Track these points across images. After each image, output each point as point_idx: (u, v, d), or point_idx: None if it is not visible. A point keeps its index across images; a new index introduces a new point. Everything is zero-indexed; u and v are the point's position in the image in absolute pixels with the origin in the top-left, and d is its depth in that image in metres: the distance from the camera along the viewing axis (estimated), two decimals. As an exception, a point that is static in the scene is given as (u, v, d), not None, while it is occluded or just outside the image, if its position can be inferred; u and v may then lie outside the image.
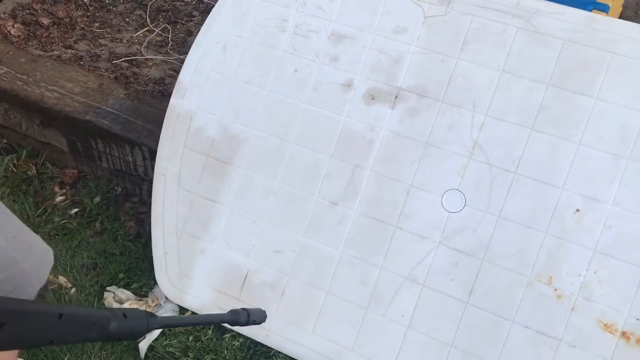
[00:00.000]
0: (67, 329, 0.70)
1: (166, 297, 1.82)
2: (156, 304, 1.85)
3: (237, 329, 1.74)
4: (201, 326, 1.75)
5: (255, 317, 1.01)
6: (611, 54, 1.50)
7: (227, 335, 1.77)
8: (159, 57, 2.87)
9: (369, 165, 1.65)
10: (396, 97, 1.64)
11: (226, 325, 1.04)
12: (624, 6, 3.20)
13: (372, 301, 1.63)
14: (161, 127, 1.84)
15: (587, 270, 1.48)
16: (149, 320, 0.80)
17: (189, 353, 1.73)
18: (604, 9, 2.22)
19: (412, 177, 1.61)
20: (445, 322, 1.57)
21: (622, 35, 1.49)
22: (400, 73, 1.64)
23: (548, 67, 1.54)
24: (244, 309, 1.00)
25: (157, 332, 1.78)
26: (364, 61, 1.67)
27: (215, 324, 0.99)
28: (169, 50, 2.95)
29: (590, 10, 2.18)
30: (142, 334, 0.80)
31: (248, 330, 1.72)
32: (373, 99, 1.66)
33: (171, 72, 2.60)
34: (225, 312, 0.95)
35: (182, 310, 1.84)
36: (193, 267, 1.79)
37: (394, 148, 1.63)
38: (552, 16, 1.54)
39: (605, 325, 1.46)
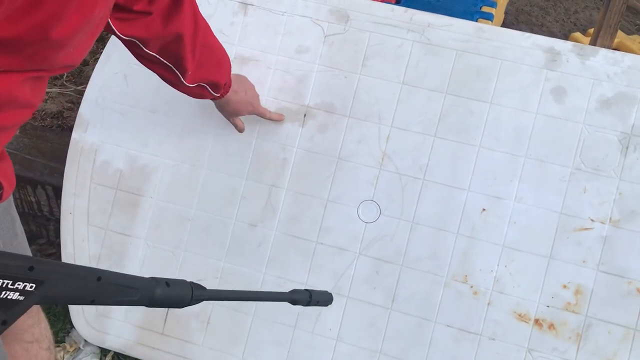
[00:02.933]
0: (107, 291, 0.74)
1: (85, 340, 1.74)
2: (75, 349, 1.76)
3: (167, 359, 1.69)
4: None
5: (319, 298, 1.04)
6: (500, 60, 1.60)
7: (154, 371, 1.72)
8: (55, 89, 2.75)
9: (285, 184, 1.66)
10: (305, 115, 1.67)
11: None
12: (506, 13, 3.43)
13: (300, 319, 1.64)
14: (64, 163, 1.76)
15: (498, 265, 1.56)
16: (193, 291, 0.82)
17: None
18: (488, 17, 2.38)
19: (328, 192, 1.64)
20: (372, 330, 1.60)
21: (508, 43, 1.60)
22: (306, 91, 1.67)
23: (444, 77, 1.62)
24: (306, 290, 1.03)
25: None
26: (270, 82, 1.69)
27: (272, 301, 1.00)
28: (64, 82, 2.83)
29: (477, 19, 2.33)
30: (187, 304, 0.83)
31: (176, 364, 1.68)
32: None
33: (69, 104, 2.50)
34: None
35: (104, 351, 1.76)
36: (112, 305, 1.72)
37: (307, 165, 1.66)
38: (443, 28, 1.63)
39: (519, 316, 1.55)
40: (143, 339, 1.70)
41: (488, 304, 1.56)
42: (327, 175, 1.64)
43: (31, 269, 0.63)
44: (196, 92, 1.35)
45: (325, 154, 1.65)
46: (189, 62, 1.22)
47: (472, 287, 1.57)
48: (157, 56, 1.19)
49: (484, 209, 1.58)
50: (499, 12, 2.58)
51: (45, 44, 0.69)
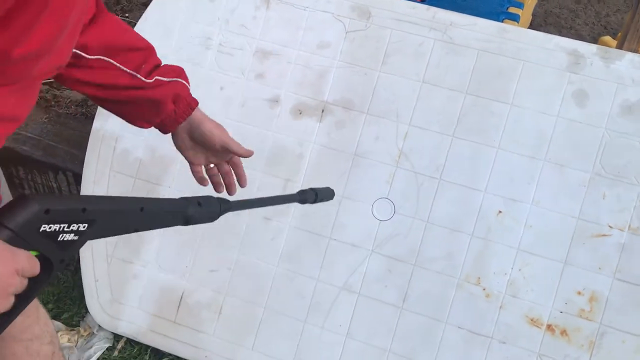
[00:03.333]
0: (148, 219, 0.79)
1: (99, 325, 1.77)
2: (89, 333, 1.79)
3: (177, 348, 1.71)
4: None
5: (323, 195, 1.12)
6: (522, 61, 1.58)
7: (165, 359, 1.74)
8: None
9: (300, 179, 1.67)
10: (323, 110, 1.67)
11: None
12: (534, 15, 3.38)
13: (310, 313, 1.64)
14: (85, 150, 1.79)
15: (512, 268, 1.54)
16: (221, 206, 0.89)
17: (125, 381, 1.69)
18: (514, 18, 2.35)
19: (343, 188, 1.64)
20: (382, 328, 1.60)
21: (531, 44, 1.58)
22: (325, 87, 1.67)
23: (465, 76, 1.61)
24: (312, 189, 1.11)
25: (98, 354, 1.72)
26: (290, 77, 1.69)
27: (286, 203, 1.10)
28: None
29: (503, 20, 2.31)
30: (217, 217, 0.90)
31: (185, 352, 1.70)
32: (300, 113, 1.68)
33: (94, 93, 2.53)
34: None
35: (117, 337, 1.79)
36: (126, 292, 1.75)
37: (323, 161, 1.66)
38: (466, 27, 1.62)
39: (531, 320, 1.53)
40: (155, 326, 1.72)
41: (500, 307, 1.55)
42: (343, 171, 1.64)
43: (84, 210, 0.67)
44: (160, 94, 1.08)
45: (341, 150, 1.65)
46: (139, 54, 1.05)
47: (484, 289, 1.56)
48: (102, 57, 1.01)
49: (500, 211, 1.56)
50: (526, 13, 2.55)
51: (12, 61, 0.67)
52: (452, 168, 1.59)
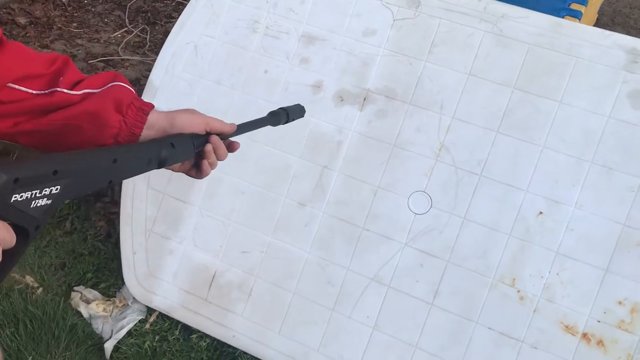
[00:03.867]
0: (122, 168, 0.75)
1: (134, 297, 1.81)
2: (123, 304, 1.84)
3: (207, 325, 1.73)
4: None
5: (295, 113, 1.07)
6: (575, 58, 1.52)
7: (194, 336, 1.77)
8: (136, 57, 2.86)
9: (337, 167, 1.65)
10: (365, 99, 1.65)
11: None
12: (601, 14, 3.24)
13: (338, 302, 1.63)
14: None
15: (549, 272, 1.49)
16: (194, 143, 0.85)
17: (156, 353, 1.72)
18: (576, 15, 2.25)
19: (380, 179, 1.62)
20: (410, 323, 1.57)
21: (586, 40, 1.51)
22: (369, 75, 1.65)
23: (514, 71, 1.55)
24: (282, 108, 1.06)
25: (124, 331, 1.77)
26: (334, 63, 1.68)
27: (258, 127, 1.04)
28: (146, 52, 2.94)
29: (563, 17, 2.22)
30: (191, 155, 0.87)
31: (214, 330, 1.72)
32: (342, 100, 1.67)
33: (147, 72, 2.60)
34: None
35: (149, 311, 1.83)
36: (161, 267, 1.78)
37: (362, 149, 1.64)
38: (518, 20, 1.56)
39: (566, 327, 1.47)
40: (187, 302, 1.75)
41: (534, 310, 1.49)
42: (381, 161, 1.62)
43: (55, 173, 0.64)
44: (94, 106, 0.88)
45: (381, 139, 1.63)
46: (51, 73, 0.89)
47: (519, 291, 1.50)
48: (10, 85, 0.87)
49: (540, 212, 1.50)
50: (590, 11, 2.44)
51: None
52: (494, 164, 1.54)
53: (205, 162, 0.93)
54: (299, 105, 1.10)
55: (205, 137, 0.88)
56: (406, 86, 1.62)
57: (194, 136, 0.86)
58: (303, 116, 1.11)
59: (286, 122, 1.07)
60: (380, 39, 1.65)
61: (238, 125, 0.98)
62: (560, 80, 1.52)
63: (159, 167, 0.83)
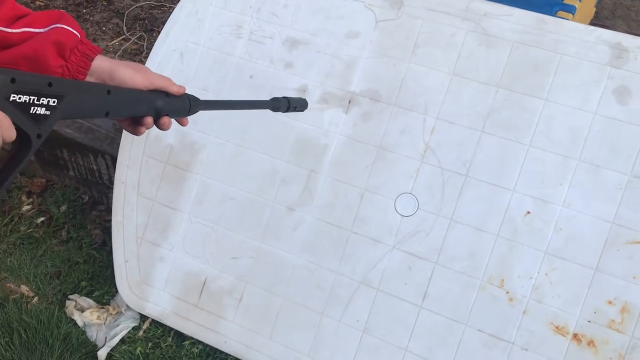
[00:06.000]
0: (118, 104, 0.81)
1: (127, 305, 1.82)
2: (117, 312, 1.85)
3: (199, 332, 1.74)
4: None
5: (297, 104, 1.13)
6: (560, 55, 1.49)
7: (187, 342, 1.77)
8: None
9: (324, 170, 1.65)
10: (349, 101, 1.64)
11: None
12: (602, 7, 3.19)
13: (328, 306, 1.63)
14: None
15: (538, 272, 1.47)
16: (190, 102, 0.93)
17: (148, 361, 1.73)
18: (569, 10, 2.22)
19: (366, 181, 1.61)
20: (400, 326, 1.56)
21: (570, 36, 1.49)
22: (353, 77, 1.64)
23: (498, 69, 1.53)
24: (285, 97, 1.12)
25: (117, 338, 1.78)
26: (318, 66, 1.67)
27: (257, 108, 1.13)
28: (142, 59, 2.95)
29: (556, 12, 2.19)
30: (186, 113, 0.93)
31: (206, 337, 1.72)
32: (327, 103, 1.66)
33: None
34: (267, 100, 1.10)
35: (143, 317, 1.84)
36: (153, 274, 1.79)
37: (348, 152, 1.63)
38: (502, 18, 1.54)
39: (556, 328, 1.45)
40: (179, 309, 1.75)
41: (524, 312, 1.47)
42: (367, 164, 1.61)
43: (50, 84, 0.69)
44: (33, 48, 0.84)
45: (366, 142, 1.62)
46: None
47: (508, 292, 1.49)
48: None
49: (528, 212, 1.49)
50: (586, 5, 2.40)
51: None
52: (480, 165, 1.53)
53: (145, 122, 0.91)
54: (302, 98, 1.16)
55: (200, 102, 0.95)
56: (390, 88, 1.61)
57: (191, 97, 0.93)
58: (304, 110, 1.17)
59: (286, 111, 1.13)
60: (363, 41, 1.64)
61: (241, 101, 1.04)
62: (545, 77, 1.50)
63: (156, 116, 0.89)
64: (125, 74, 0.88)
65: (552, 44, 1.51)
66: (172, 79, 0.94)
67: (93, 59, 0.88)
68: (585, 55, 1.48)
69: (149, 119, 0.91)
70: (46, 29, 0.85)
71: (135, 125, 0.92)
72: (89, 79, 0.88)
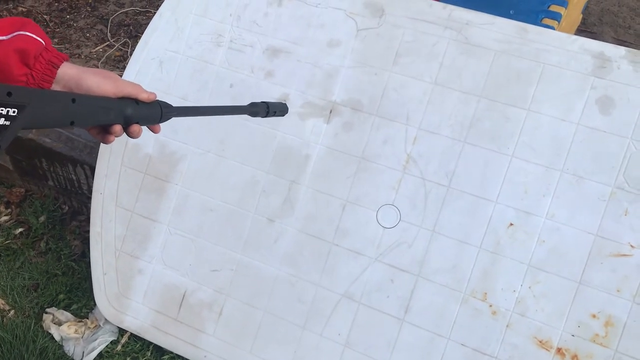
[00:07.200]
0: (84, 112, 0.79)
1: (105, 319, 1.78)
2: (95, 325, 1.81)
3: (178, 346, 1.70)
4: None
5: (276, 108, 1.11)
6: (542, 64, 1.47)
7: (166, 357, 1.74)
8: (117, 72, 2.84)
9: (305, 181, 1.62)
10: (331, 111, 1.62)
11: None
12: (588, 13, 3.19)
13: (309, 319, 1.60)
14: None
15: (521, 285, 1.45)
16: (162, 109, 0.91)
17: (126, 376, 1.70)
18: (555, 17, 2.21)
19: (348, 193, 1.58)
20: (382, 340, 1.53)
21: (553, 45, 1.47)
22: (334, 87, 1.62)
23: (480, 79, 1.51)
24: (264, 102, 1.09)
25: (95, 353, 1.74)
26: (299, 75, 1.65)
27: (234, 114, 1.08)
28: (126, 65, 2.91)
29: (542, 19, 2.17)
30: (158, 120, 0.91)
31: (185, 351, 1.68)
32: (308, 113, 1.63)
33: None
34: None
35: (121, 331, 1.80)
36: (131, 287, 1.75)
37: (329, 163, 1.61)
38: (484, 27, 1.52)
39: (540, 342, 1.43)
40: (158, 323, 1.72)
41: (507, 325, 1.45)
42: (349, 175, 1.58)
43: (9, 94, 0.67)
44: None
45: (348, 152, 1.59)
46: None
47: (491, 306, 1.46)
48: None
49: (511, 224, 1.46)
50: (572, 12, 2.39)
51: None
52: (462, 176, 1.50)
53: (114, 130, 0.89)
54: (282, 103, 1.15)
55: (172, 108, 0.93)
56: (372, 97, 1.59)
57: (163, 104, 0.91)
58: (284, 115, 1.16)
59: (266, 116, 1.10)
60: (344, 50, 1.62)
61: (217, 107, 0.99)
62: (527, 87, 1.48)
63: (125, 124, 0.86)
64: (93, 81, 0.87)
65: (535, 53, 1.49)
66: (142, 86, 0.93)
67: (59, 67, 0.87)
68: (568, 64, 1.46)
69: (118, 127, 0.89)
70: (8, 36, 0.83)
71: (104, 133, 0.90)
72: (55, 87, 0.87)
